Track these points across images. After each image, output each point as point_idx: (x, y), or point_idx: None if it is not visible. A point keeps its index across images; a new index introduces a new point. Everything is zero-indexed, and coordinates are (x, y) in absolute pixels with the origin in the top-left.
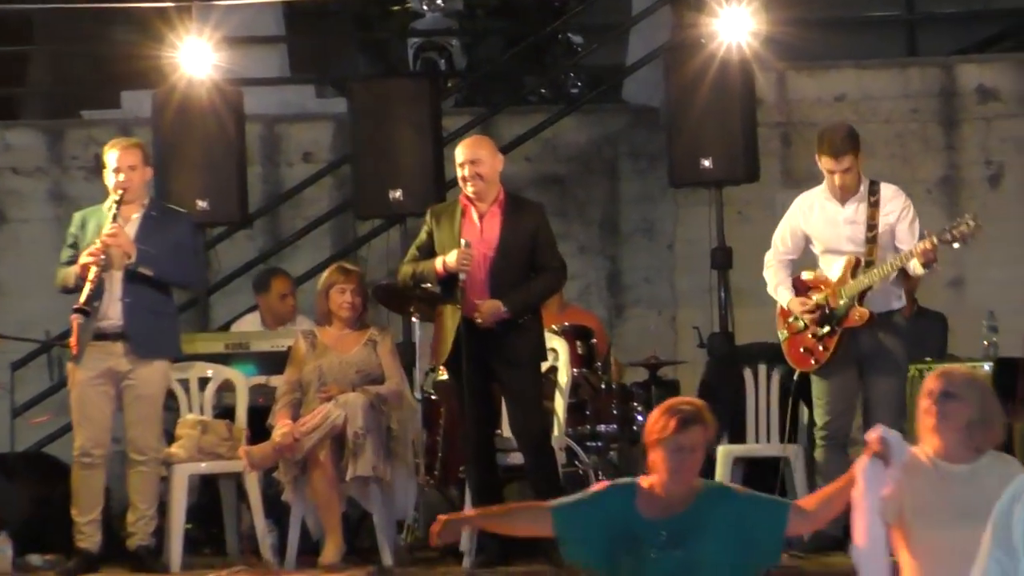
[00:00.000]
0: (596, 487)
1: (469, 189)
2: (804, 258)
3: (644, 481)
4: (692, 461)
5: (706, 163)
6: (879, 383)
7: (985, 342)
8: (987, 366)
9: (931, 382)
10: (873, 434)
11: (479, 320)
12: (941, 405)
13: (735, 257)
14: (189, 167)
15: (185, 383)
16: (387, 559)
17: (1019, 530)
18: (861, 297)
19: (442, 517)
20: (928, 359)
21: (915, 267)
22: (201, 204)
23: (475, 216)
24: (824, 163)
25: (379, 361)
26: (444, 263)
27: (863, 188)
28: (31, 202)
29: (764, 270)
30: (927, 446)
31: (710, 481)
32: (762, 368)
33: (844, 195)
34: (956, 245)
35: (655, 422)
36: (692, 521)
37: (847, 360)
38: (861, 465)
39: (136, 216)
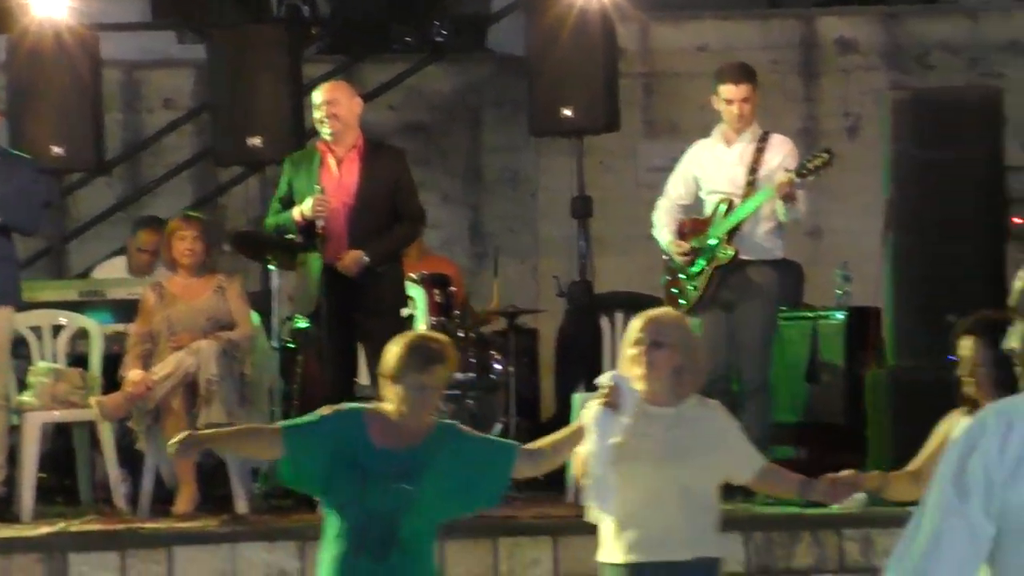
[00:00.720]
0: (324, 411)
1: (326, 131)
2: (698, 204)
3: (374, 410)
4: (433, 399)
5: (567, 112)
6: (745, 328)
7: (839, 291)
8: (840, 315)
9: (639, 329)
10: (604, 379)
11: (341, 269)
12: (650, 353)
13: (597, 206)
14: (43, 113)
15: (37, 331)
16: (241, 507)
17: (974, 477)
18: (731, 237)
19: (178, 436)
20: (783, 308)
21: (779, 210)
22: (56, 150)
23: (333, 163)
24: (723, 92)
25: (228, 307)
26: (301, 212)
27: (753, 132)
28: None
29: (653, 213)
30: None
31: (442, 420)
32: (619, 316)
33: (740, 125)
34: (812, 178)
35: (398, 357)
36: (423, 456)
37: (715, 302)
38: (591, 412)
39: None
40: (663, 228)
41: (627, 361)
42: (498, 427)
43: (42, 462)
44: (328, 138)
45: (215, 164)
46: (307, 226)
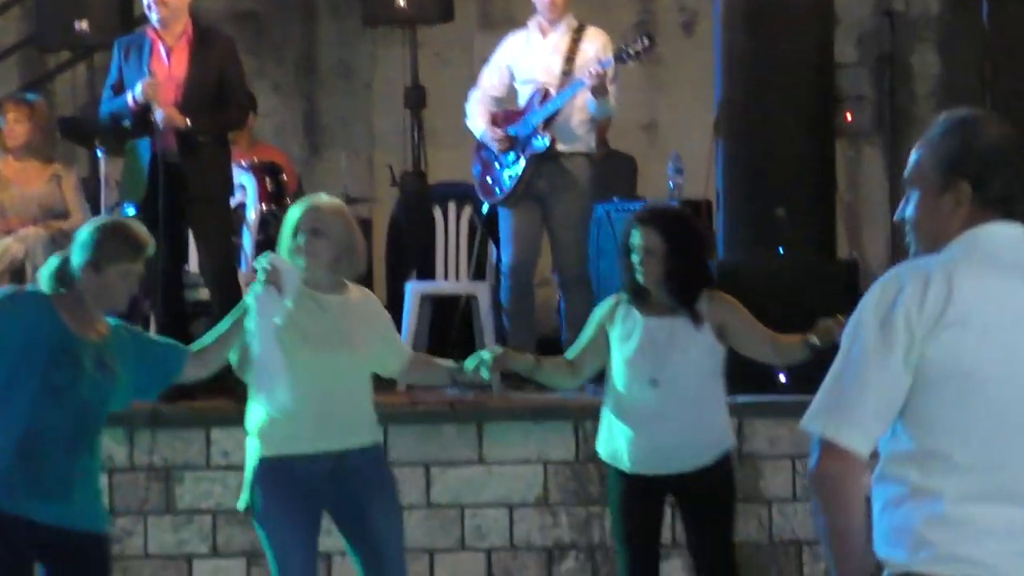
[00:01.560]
0: (7, 297)
1: (154, 17)
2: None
3: (61, 297)
4: (134, 288)
5: (400, 2)
6: (560, 219)
7: (671, 184)
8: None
9: (298, 218)
10: (263, 261)
11: (163, 120)
12: (311, 242)
13: (432, 98)
14: None
15: None
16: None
17: (896, 331)
18: (546, 126)
19: None
20: (615, 199)
21: (590, 104)
22: None
23: (163, 51)
24: None
25: (62, 196)
26: (133, 97)
27: (569, 23)
28: None
29: (467, 103)
30: None
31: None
32: (452, 206)
33: (553, 16)
34: (631, 63)
35: (102, 245)
36: (114, 347)
37: (530, 194)
38: (254, 292)
39: None
40: (477, 118)
41: (288, 251)
42: None
43: None
44: (156, 25)
45: (41, 50)
46: (140, 112)
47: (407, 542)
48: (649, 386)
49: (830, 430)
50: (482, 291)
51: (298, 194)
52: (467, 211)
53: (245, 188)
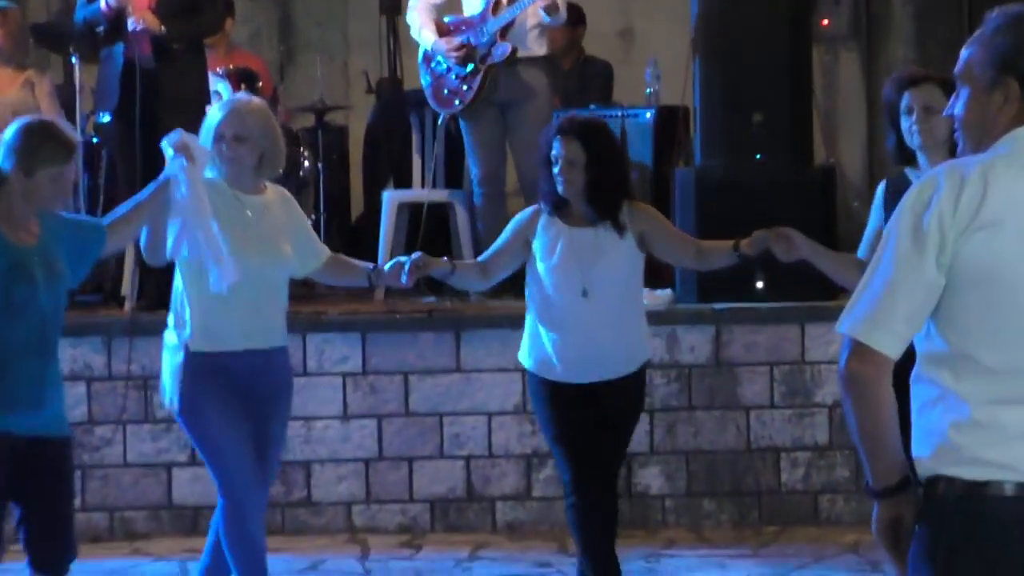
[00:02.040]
0: None
1: None
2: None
3: None
4: (67, 189)
5: None
6: (521, 127)
7: (648, 90)
8: (649, 113)
9: (220, 122)
10: (172, 138)
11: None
12: (234, 148)
13: (406, 3)
14: None
15: None
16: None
17: (930, 232)
18: (504, 34)
19: None
20: (592, 105)
21: (541, 13)
22: None
23: None
24: None
25: (36, 103)
26: (106, 2)
27: None
28: None
29: (407, 14)
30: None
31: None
32: (428, 113)
33: None
34: None
35: (31, 148)
36: (51, 246)
37: (490, 102)
38: (170, 167)
39: None
40: (423, 29)
41: (208, 153)
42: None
43: None
44: None
45: None
46: (114, 18)
47: (387, 450)
48: (580, 296)
49: (861, 333)
50: (458, 199)
51: (273, 101)
52: (443, 118)
53: (220, 95)
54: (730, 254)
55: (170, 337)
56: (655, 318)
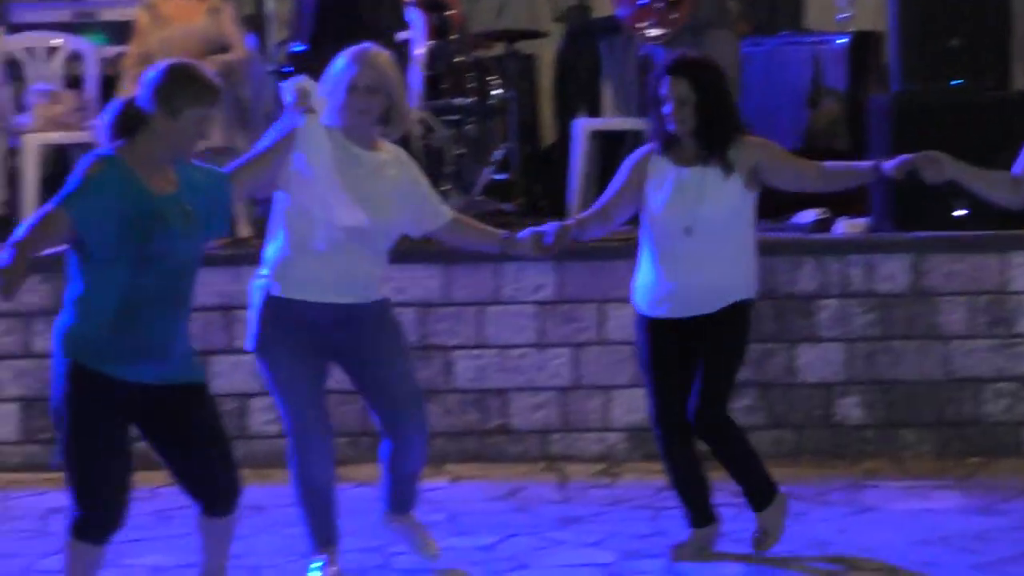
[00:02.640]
0: (90, 167)
1: None
2: None
3: (130, 153)
4: (204, 134)
5: None
6: (713, 52)
7: (841, 15)
8: (843, 39)
9: (354, 74)
10: (295, 85)
11: None
12: (365, 100)
13: None
14: None
15: (32, 52)
16: (244, 231)
17: None
18: None
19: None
20: (782, 32)
21: None
22: None
23: None
24: None
25: (222, 30)
26: None
27: None
28: None
29: None
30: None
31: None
32: (618, 41)
33: None
34: None
35: (177, 89)
36: (188, 197)
37: (687, 28)
38: (293, 118)
39: None
40: None
41: (337, 105)
42: (498, 153)
43: (41, 186)
44: None
45: None
46: None
47: (583, 379)
48: (683, 234)
49: None
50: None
51: (463, 30)
52: (634, 45)
53: (412, 23)
54: (866, 175)
55: (257, 278)
56: (852, 247)
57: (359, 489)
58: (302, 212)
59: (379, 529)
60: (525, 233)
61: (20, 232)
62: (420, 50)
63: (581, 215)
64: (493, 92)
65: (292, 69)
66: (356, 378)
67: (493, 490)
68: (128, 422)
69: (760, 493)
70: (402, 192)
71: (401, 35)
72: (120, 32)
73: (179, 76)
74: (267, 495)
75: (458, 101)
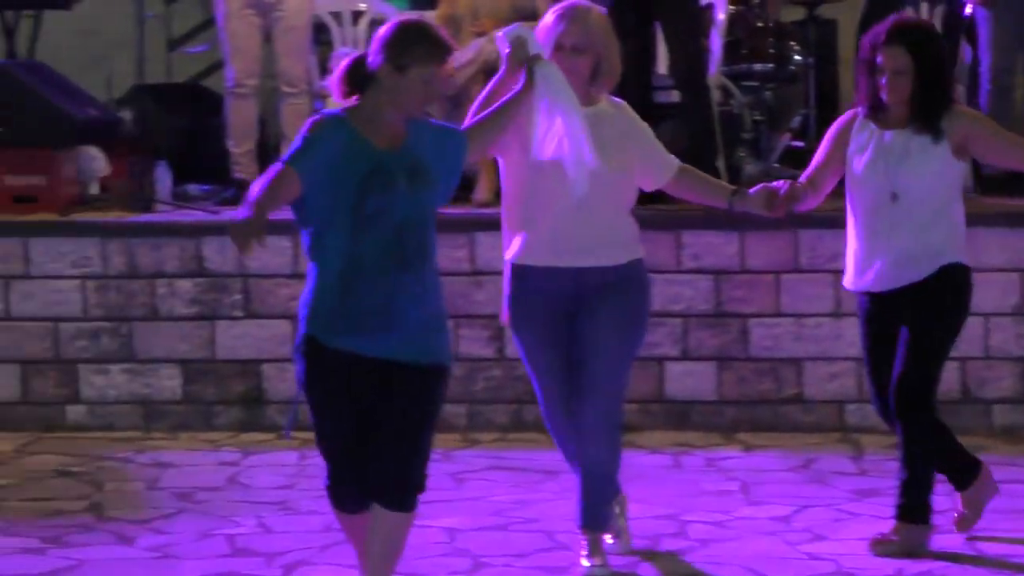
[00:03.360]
0: (313, 125)
1: None
2: None
3: (355, 111)
4: (435, 93)
5: None
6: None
7: None
8: None
9: (561, 32)
10: (513, 34)
11: None
12: (570, 59)
13: None
14: None
15: (338, 16)
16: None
17: None
18: None
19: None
20: None
21: None
22: None
23: None
24: None
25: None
26: None
27: None
28: None
29: None
30: None
31: None
32: (924, 5)
33: None
34: None
35: (407, 44)
36: (416, 152)
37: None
38: (545, 74)
39: None
40: None
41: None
42: (797, 119)
43: None
44: None
45: None
46: None
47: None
48: (888, 200)
49: None
50: (958, 95)
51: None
52: (940, 8)
53: None
54: None
55: (507, 249)
56: None
57: (652, 456)
58: (533, 166)
59: (672, 496)
60: (756, 189)
61: (254, 190)
62: (721, 15)
63: (797, 185)
64: (793, 58)
65: None
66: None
67: (787, 460)
68: (361, 394)
69: (961, 471)
70: (629, 140)
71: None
72: None
73: (410, 33)
74: (558, 460)
75: (757, 67)
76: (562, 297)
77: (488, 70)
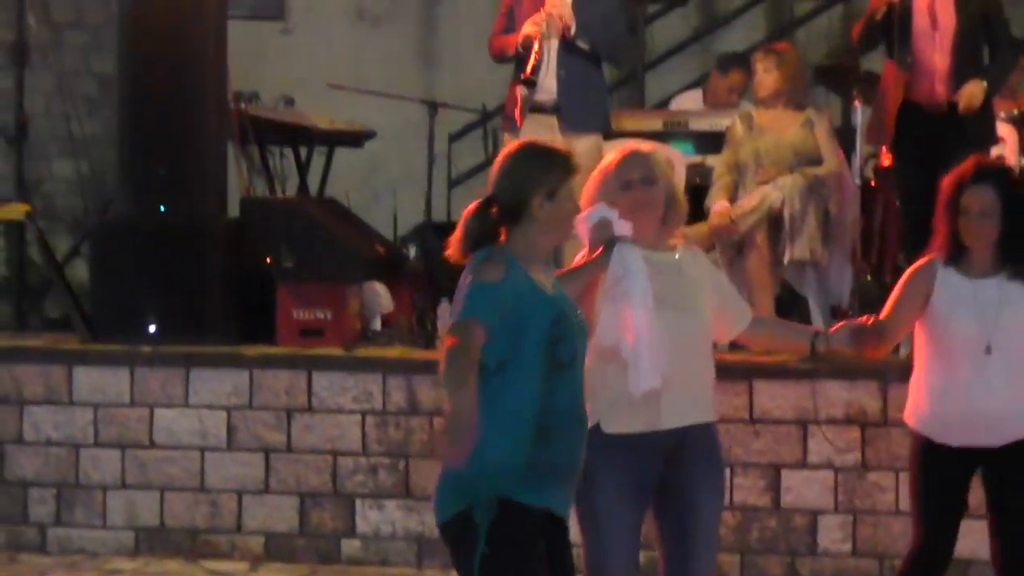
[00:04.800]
0: (485, 270)
1: None
2: None
3: (513, 251)
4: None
5: None
6: None
7: None
8: None
9: (625, 167)
10: (598, 217)
11: (963, 106)
12: (642, 193)
13: None
14: None
15: None
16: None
17: None
18: None
19: None
20: None
21: None
22: None
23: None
24: None
25: (816, 143)
26: None
27: None
28: None
29: None
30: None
31: None
32: None
33: None
34: None
35: (558, 166)
36: (562, 292)
37: None
38: (619, 248)
39: None
40: None
41: (615, 201)
42: None
43: None
44: None
45: None
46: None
47: None
48: (982, 352)
49: None
50: None
51: None
52: None
53: (1005, 139)
54: None
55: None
56: None
57: None
58: (597, 348)
59: None
60: (840, 329)
61: (454, 380)
62: (1012, 164)
63: (877, 322)
64: None
65: (875, 182)
66: (660, 513)
67: None
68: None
69: None
70: (704, 290)
71: (994, 150)
72: (708, 143)
73: (541, 151)
74: None
75: None
76: (644, 465)
77: (772, 217)
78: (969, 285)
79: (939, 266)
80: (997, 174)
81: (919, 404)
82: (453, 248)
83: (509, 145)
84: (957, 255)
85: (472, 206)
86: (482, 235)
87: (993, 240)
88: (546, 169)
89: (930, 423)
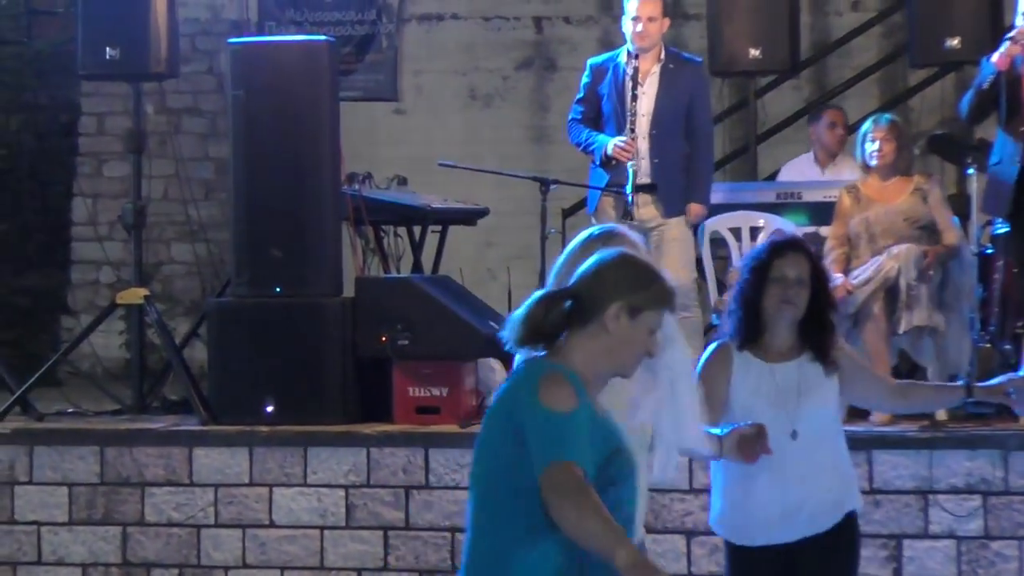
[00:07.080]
0: (561, 393)
1: None
2: None
3: (574, 371)
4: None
5: None
6: None
7: None
8: None
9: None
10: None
11: None
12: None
13: None
14: (739, 15)
15: (737, 232)
16: (941, 414)
17: None
18: None
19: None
20: None
21: None
22: (753, 52)
23: None
24: None
25: (927, 209)
26: None
27: None
28: (582, 51)
29: None
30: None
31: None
32: None
33: None
34: None
35: (657, 289)
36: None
37: None
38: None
39: (655, 70)
40: None
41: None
42: None
43: None
44: None
45: (909, 65)
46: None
47: None
48: (788, 438)
49: None
50: None
51: None
52: None
53: None
54: (952, 397)
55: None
56: None
57: None
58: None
59: None
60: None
61: (611, 535)
62: None
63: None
64: None
65: (993, 251)
66: None
67: None
68: None
69: None
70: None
71: None
72: (821, 213)
73: (643, 267)
74: None
75: None
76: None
77: (888, 288)
78: (768, 368)
79: (732, 350)
80: (801, 242)
81: (723, 504)
82: (510, 330)
83: (610, 248)
84: (754, 336)
85: (542, 293)
86: (542, 329)
87: (800, 314)
88: (642, 285)
89: (738, 526)
